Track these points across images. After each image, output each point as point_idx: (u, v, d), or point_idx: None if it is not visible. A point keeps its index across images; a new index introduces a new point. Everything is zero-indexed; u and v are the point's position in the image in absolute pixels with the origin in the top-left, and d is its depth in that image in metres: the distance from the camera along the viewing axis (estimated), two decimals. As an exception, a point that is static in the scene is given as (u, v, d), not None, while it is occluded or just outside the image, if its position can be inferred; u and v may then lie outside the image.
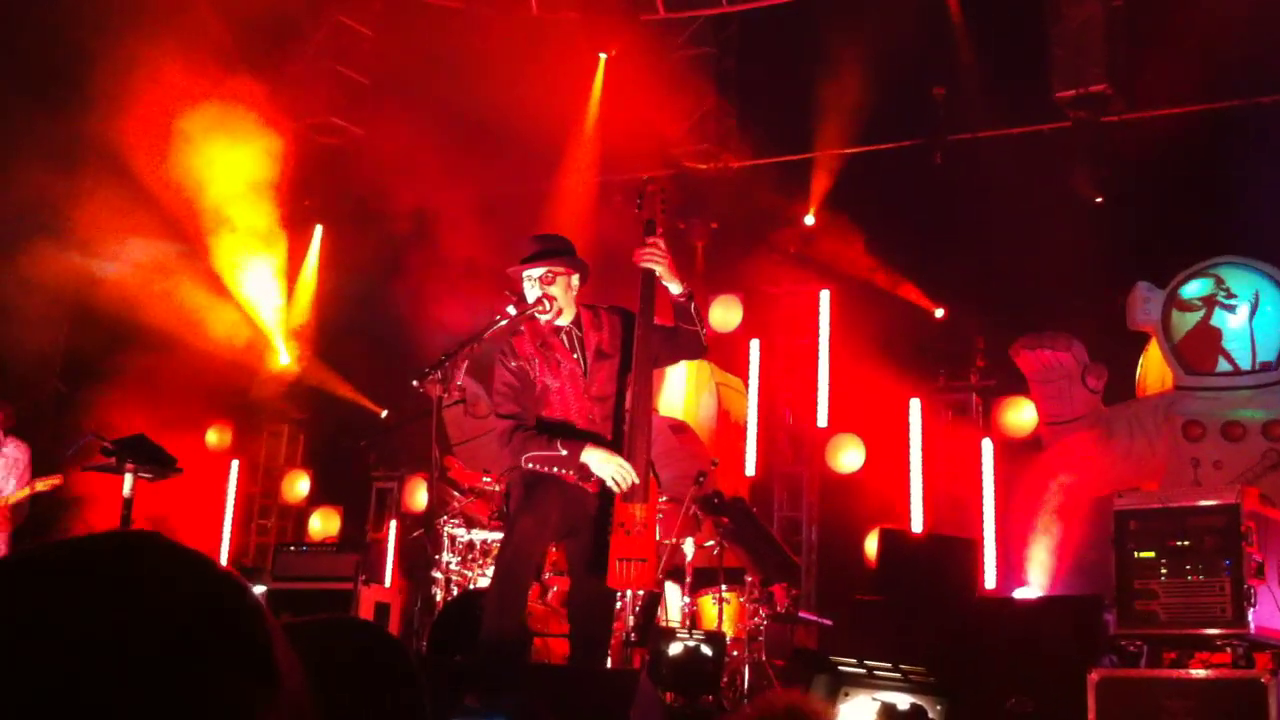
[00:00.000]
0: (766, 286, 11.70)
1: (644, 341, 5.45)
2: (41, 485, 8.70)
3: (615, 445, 5.43)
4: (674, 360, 5.98)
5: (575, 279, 5.60)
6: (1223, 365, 9.36)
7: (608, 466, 5.30)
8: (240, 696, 1.01)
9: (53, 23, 11.18)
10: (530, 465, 5.39)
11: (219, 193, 11.94)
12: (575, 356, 5.53)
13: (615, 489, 5.28)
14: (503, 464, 6.70)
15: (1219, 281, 9.44)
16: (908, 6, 10.77)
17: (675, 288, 5.42)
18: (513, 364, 5.51)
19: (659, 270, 5.40)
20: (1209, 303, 9.44)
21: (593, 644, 5.52)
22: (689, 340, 5.50)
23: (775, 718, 2.21)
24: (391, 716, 1.71)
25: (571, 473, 5.35)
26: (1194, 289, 9.50)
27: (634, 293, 5.51)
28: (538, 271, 5.51)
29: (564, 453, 5.31)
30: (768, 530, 10.07)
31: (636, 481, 5.28)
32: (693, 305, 5.46)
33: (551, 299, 5.48)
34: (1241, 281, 9.39)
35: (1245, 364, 9.30)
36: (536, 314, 5.51)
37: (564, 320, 5.58)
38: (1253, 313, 9.31)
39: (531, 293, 5.51)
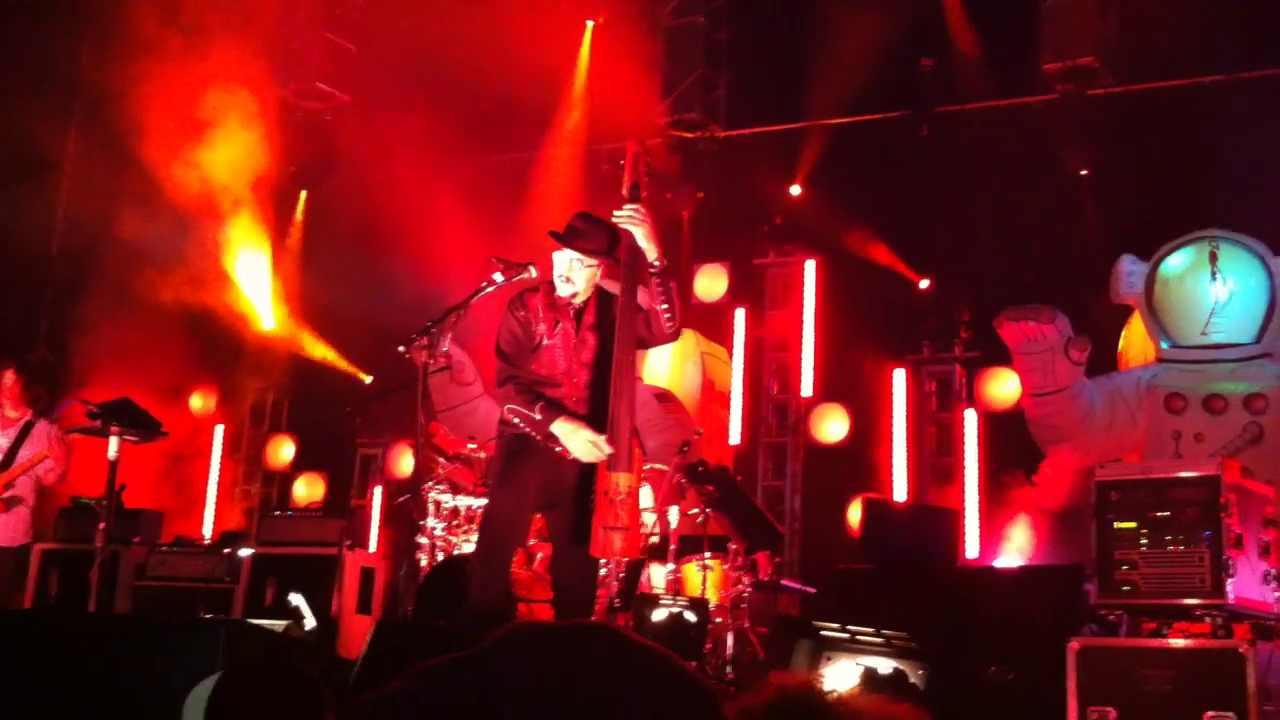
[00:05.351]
0: (752, 256, 11.70)
1: (627, 311, 5.45)
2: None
3: (600, 409, 5.44)
4: (648, 346, 5.99)
5: (599, 273, 5.63)
6: (1202, 339, 9.37)
7: (574, 439, 5.32)
8: None
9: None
10: (509, 416, 5.43)
11: (204, 158, 11.89)
12: (573, 319, 5.56)
13: (586, 461, 5.30)
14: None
15: (1202, 253, 9.44)
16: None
17: (651, 252, 5.43)
18: (520, 313, 5.55)
19: (638, 233, 5.41)
20: (1190, 274, 9.45)
21: (577, 611, 5.55)
22: (660, 325, 5.50)
23: (790, 699, 2.21)
24: None
25: (541, 437, 5.37)
26: (1177, 261, 9.51)
27: (617, 269, 5.53)
28: (590, 261, 5.53)
29: (538, 417, 5.33)
30: (751, 499, 10.12)
31: (607, 454, 5.29)
32: (668, 281, 5.45)
33: (571, 280, 5.52)
34: (1225, 256, 9.39)
35: (1220, 338, 9.32)
36: (559, 293, 5.52)
37: (577, 301, 5.60)
38: (1229, 287, 9.31)
39: (566, 265, 5.51)
